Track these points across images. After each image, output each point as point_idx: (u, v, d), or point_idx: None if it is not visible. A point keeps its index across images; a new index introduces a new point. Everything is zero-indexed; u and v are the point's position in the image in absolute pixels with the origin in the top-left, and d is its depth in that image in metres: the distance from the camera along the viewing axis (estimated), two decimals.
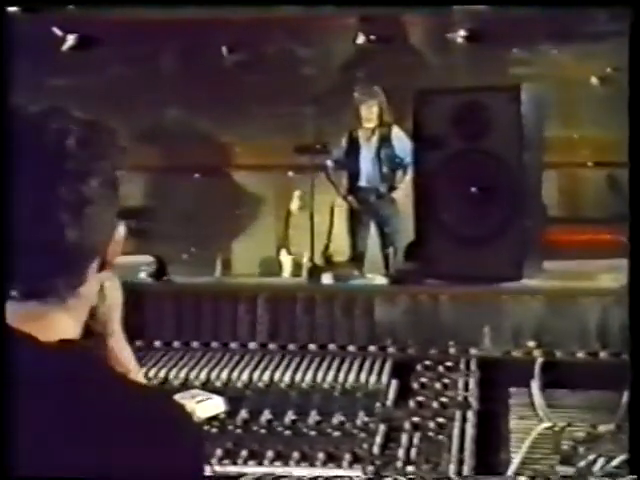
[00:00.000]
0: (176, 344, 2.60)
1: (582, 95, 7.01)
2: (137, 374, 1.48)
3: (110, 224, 1.24)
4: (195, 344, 2.59)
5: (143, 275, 2.99)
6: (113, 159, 1.23)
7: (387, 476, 1.89)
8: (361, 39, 7.20)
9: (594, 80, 6.95)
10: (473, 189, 2.85)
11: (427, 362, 2.41)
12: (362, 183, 6.28)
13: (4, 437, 1.07)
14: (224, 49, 7.36)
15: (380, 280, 4.25)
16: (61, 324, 1.21)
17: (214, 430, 2.12)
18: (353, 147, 6.30)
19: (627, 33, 1.88)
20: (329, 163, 6.42)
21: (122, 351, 1.48)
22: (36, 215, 1.15)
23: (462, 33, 7.06)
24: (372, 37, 7.16)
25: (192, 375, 2.40)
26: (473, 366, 2.39)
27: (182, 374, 2.40)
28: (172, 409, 1.20)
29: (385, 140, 6.20)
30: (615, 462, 1.87)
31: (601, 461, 1.89)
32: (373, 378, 2.34)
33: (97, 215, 1.19)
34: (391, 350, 2.51)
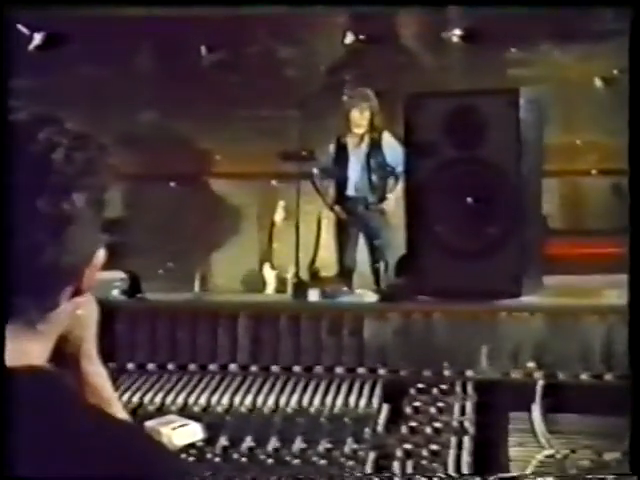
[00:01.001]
0: (151, 367, 2.60)
1: (585, 98, 7.04)
2: (113, 404, 1.46)
3: (91, 247, 1.23)
4: (171, 366, 2.59)
5: (115, 292, 2.99)
6: (102, 177, 1.22)
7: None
8: (350, 38, 7.23)
9: (598, 82, 6.99)
10: (468, 200, 2.86)
11: (420, 385, 2.42)
12: (350, 192, 6.29)
13: None
14: (203, 48, 7.38)
15: (370, 297, 4.24)
16: (28, 349, 1.20)
17: (192, 459, 2.12)
18: (341, 154, 6.31)
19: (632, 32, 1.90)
20: (315, 171, 6.43)
21: (97, 377, 1.44)
22: (13, 230, 1.14)
23: (458, 32, 7.09)
24: (362, 36, 7.19)
25: (168, 400, 2.40)
26: (470, 389, 2.40)
27: (157, 399, 2.40)
28: (149, 446, 1.20)
29: (375, 147, 6.21)
30: None
31: None
32: (363, 402, 2.35)
33: (79, 236, 1.18)
34: (382, 372, 2.52)
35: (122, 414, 1.45)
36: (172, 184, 7.61)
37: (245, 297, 5.51)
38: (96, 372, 1.45)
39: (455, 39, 7.15)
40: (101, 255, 1.24)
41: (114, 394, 1.47)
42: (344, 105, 6.33)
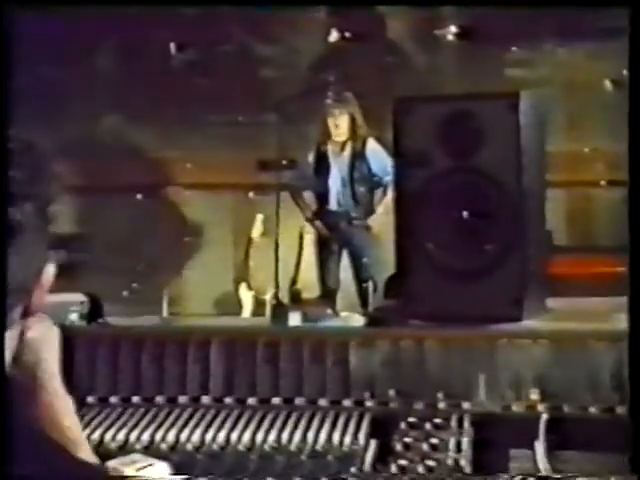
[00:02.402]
0: (113, 400, 2.59)
1: (593, 101, 7.09)
2: (78, 444, 1.42)
3: (39, 261, 1.23)
4: (136, 399, 2.58)
5: (74, 317, 2.98)
6: (47, 186, 1.22)
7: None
8: (334, 36, 7.26)
9: (608, 84, 7.03)
10: (464, 214, 2.88)
11: (412, 419, 2.42)
12: (332, 206, 6.30)
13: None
14: (172, 46, 7.39)
15: (356, 320, 4.25)
16: None
17: None
18: (321, 163, 6.32)
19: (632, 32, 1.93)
20: (296, 182, 6.44)
21: (57, 411, 1.40)
22: None
23: (453, 29, 7.13)
24: (347, 34, 7.22)
25: (132, 437, 2.39)
26: (466, 423, 2.41)
27: (120, 435, 2.40)
28: None
29: (358, 155, 6.22)
30: None
31: None
32: (348, 438, 2.35)
33: (26, 248, 1.18)
34: (369, 404, 2.52)
35: (90, 456, 1.42)
36: (137, 196, 7.60)
37: (218, 321, 5.50)
38: (56, 405, 1.42)
39: (450, 37, 7.19)
40: (51, 271, 1.24)
41: (80, 432, 1.43)
42: (323, 110, 6.34)
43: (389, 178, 5.49)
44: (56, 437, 1.35)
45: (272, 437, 2.36)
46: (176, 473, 2.19)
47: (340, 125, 6.16)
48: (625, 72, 6.68)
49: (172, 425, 2.44)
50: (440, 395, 2.52)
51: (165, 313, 5.07)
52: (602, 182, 7.14)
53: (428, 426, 2.40)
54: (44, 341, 1.40)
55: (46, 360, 1.41)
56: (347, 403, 2.53)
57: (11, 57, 5.97)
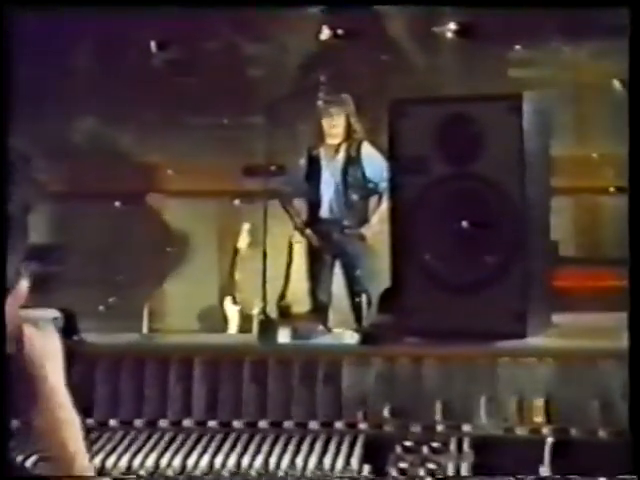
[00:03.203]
0: (89, 423, 2.59)
1: (602, 103, 7.11)
2: (76, 459, 1.39)
3: (13, 272, 1.22)
4: (113, 423, 2.58)
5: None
6: (24, 193, 1.22)
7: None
8: (326, 33, 7.27)
9: (617, 84, 7.05)
10: (463, 223, 2.89)
11: (408, 442, 2.42)
12: (324, 214, 6.30)
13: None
14: (152, 44, 7.40)
15: (349, 337, 4.25)
16: None
17: None
18: (313, 169, 6.33)
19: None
20: (285, 188, 6.44)
21: (61, 427, 1.38)
22: None
23: (452, 26, 7.14)
24: (340, 31, 7.23)
25: (109, 463, 2.39)
26: (466, 447, 2.41)
27: (97, 461, 2.39)
28: None
29: (352, 160, 6.23)
30: None
31: None
32: (340, 463, 2.35)
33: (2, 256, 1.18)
34: (363, 427, 2.53)
35: (86, 471, 1.40)
36: (115, 204, 7.60)
37: (202, 338, 5.49)
38: (61, 419, 1.40)
39: (449, 34, 7.20)
40: (24, 285, 1.23)
41: (81, 448, 1.40)
42: (317, 111, 6.34)
43: (385, 184, 5.49)
44: (53, 451, 1.34)
45: (258, 462, 2.36)
46: None
47: (336, 126, 6.17)
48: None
49: (152, 450, 2.43)
50: (438, 417, 2.52)
51: (145, 329, 5.07)
52: (611, 189, 7.14)
53: (425, 450, 2.40)
54: (45, 354, 1.39)
55: (48, 373, 1.39)
56: (339, 425, 2.54)
57: (11, 57, 5.97)
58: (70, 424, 1.42)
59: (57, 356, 1.42)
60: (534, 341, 2.83)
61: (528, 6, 6.26)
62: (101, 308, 6.87)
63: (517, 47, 7.20)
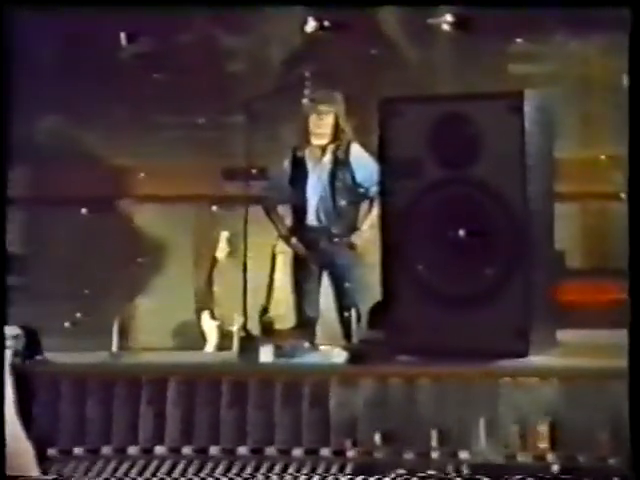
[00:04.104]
0: (51, 453, 2.59)
1: (611, 101, 7.13)
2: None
3: None
4: (79, 451, 2.58)
5: (7, 354, 2.98)
6: None
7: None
8: (311, 25, 7.28)
9: (627, 81, 7.06)
10: (460, 232, 2.90)
11: (401, 470, 2.43)
12: (310, 221, 6.31)
13: None
14: (122, 36, 7.40)
15: (337, 355, 4.25)
16: None
17: None
18: (298, 172, 6.33)
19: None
20: (268, 193, 6.45)
21: (16, 458, 1.40)
22: None
23: (448, 18, 7.16)
24: (326, 23, 7.24)
25: None
26: (464, 475, 2.42)
27: None
28: None
29: (341, 162, 6.23)
30: None
31: None
32: None
33: None
34: (351, 454, 2.53)
35: None
36: (82, 211, 7.59)
37: (177, 357, 5.49)
38: (15, 451, 1.41)
39: (445, 27, 7.22)
40: None
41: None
42: (302, 110, 6.35)
43: (376, 189, 5.50)
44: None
45: None
46: None
47: (324, 126, 6.17)
48: None
49: None
50: (434, 443, 2.53)
51: (114, 347, 5.05)
52: (622, 195, 7.14)
53: (420, 479, 2.41)
54: None
55: None
56: (325, 452, 2.55)
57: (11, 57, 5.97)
58: (21, 456, 1.43)
59: (8, 387, 1.42)
60: (537, 360, 2.85)
61: (528, 6, 6.29)
62: (67, 324, 6.85)
63: (518, 40, 7.22)
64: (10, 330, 3.02)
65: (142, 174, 7.58)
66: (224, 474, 2.44)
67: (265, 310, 6.68)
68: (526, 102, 2.94)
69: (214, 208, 7.46)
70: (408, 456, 2.51)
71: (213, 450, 2.55)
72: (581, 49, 7.11)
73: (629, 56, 2.01)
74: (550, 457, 2.49)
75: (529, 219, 2.89)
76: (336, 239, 6.23)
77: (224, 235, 7.13)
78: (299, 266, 6.42)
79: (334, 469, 2.44)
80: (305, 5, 7.06)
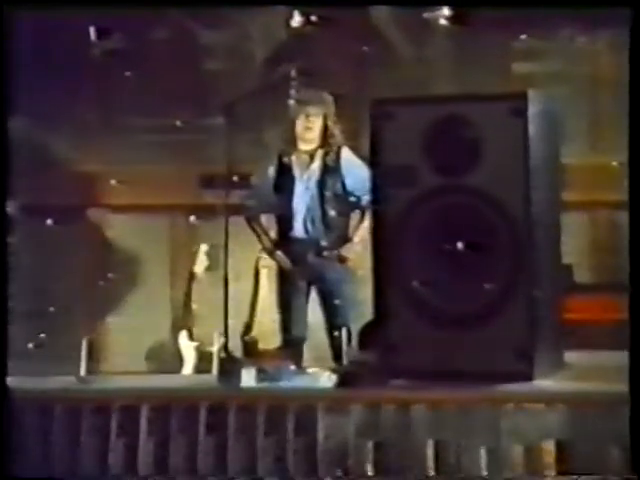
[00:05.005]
0: None
1: (622, 102, 7.15)
2: None
3: None
4: None
5: None
6: None
7: None
8: (297, 20, 7.31)
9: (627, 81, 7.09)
10: (458, 245, 2.91)
11: None
12: (297, 233, 6.32)
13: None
14: (92, 32, 7.41)
15: (326, 379, 4.26)
16: None
17: None
18: (284, 179, 6.35)
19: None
20: (250, 203, 6.46)
21: None
22: None
23: (446, 12, 7.18)
24: (313, 17, 7.26)
25: None
26: None
27: None
28: None
29: (331, 169, 6.25)
30: None
31: None
32: None
33: None
34: None
35: None
36: (47, 221, 7.59)
37: (151, 381, 5.49)
38: None
39: (442, 21, 7.24)
40: None
41: None
42: (289, 112, 6.37)
43: (368, 198, 5.51)
44: None
45: None
46: None
47: (312, 129, 6.19)
48: None
49: None
50: (432, 472, 2.54)
51: (82, 371, 5.05)
52: None
53: None
54: None
55: None
56: None
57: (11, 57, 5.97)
58: None
59: None
60: (542, 384, 2.86)
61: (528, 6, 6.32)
62: (30, 346, 6.85)
63: (522, 37, 7.24)
64: None
65: (113, 181, 7.59)
66: None
67: (248, 329, 6.68)
68: (530, 104, 2.95)
69: (192, 218, 7.48)
70: None
71: None
72: (590, 46, 7.13)
73: (629, 56, 2.03)
74: None
75: (533, 230, 2.90)
76: (325, 252, 6.25)
77: (203, 248, 7.14)
78: (285, 281, 6.43)
79: None
80: (290, 5, 7.08)
